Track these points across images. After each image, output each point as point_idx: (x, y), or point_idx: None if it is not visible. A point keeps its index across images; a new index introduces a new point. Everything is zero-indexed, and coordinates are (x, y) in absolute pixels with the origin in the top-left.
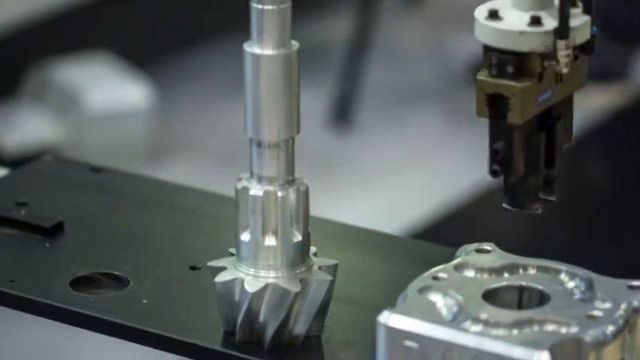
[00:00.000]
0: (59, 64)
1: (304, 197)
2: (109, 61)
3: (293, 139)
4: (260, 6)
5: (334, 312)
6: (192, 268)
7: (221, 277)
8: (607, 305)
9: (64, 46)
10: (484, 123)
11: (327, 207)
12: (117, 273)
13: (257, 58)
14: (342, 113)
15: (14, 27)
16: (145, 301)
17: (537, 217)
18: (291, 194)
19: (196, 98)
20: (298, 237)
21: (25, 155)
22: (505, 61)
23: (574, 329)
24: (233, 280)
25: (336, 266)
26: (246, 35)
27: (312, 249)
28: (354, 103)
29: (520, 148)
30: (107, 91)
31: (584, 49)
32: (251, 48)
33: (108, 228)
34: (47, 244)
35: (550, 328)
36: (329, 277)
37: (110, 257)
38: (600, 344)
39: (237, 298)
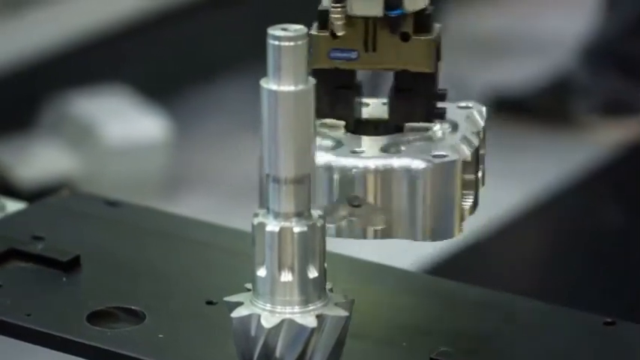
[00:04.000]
0: (76, 96)
1: (320, 233)
2: (126, 93)
3: (309, 175)
4: (277, 42)
5: (350, 347)
6: (209, 302)
7: (237, 313)
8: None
9: (80, 78)
10: (498, 160)
11: (339, 241)
12: (133, 307)
13: (274, 94)
14: None
15: (31, 59)
16: (161, 336)
17: (551, 255)
18: (308, 230)
19: (212, 131)
20: (314, 273)
21: (41, 188)
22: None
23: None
24: (249, 316)
25: (352, 302)
26: (262, 69)
27: (328, 285)
28: None
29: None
30: (124, 123)
31: (417, 27)
32: (268, 84)
33: (124, 262)
34: (64, 278)
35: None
36: (345, 313)
37: (126, 291)
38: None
39: (253, 333)
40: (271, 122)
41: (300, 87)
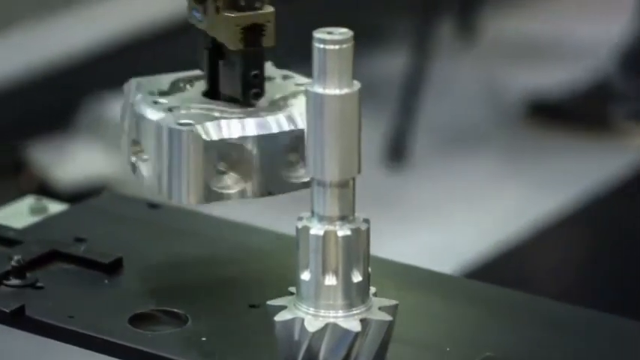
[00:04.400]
0: (113, 99)
1: (365, 237)
2: None
3: (354, 179)
4: (322, 46)
5: (393, 352)
6: (251, 306)
7: (281, 316)
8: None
9: (118, 81)
10: (539, 162)
11: (381, 245)
12: (175, 310)
13: (319, 97)
14: (397, 150)
15: (69, 62)
16: (203, 339)
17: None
18: (352, 234)
19: None
20: (359, 277)
21: (79, 190)
22: None
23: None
24: (293, 320)
25: (395, 307)
26: (299, 71)
27: (372, 289)
28: (409, 141)
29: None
30: None
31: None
32: (313, 88)
33: (166, 265)
34: (106, 280)
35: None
36: (389, 318)
37: (169, 294)
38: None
39: (296, 337)
40: (316, 126)
41: (346, 90)
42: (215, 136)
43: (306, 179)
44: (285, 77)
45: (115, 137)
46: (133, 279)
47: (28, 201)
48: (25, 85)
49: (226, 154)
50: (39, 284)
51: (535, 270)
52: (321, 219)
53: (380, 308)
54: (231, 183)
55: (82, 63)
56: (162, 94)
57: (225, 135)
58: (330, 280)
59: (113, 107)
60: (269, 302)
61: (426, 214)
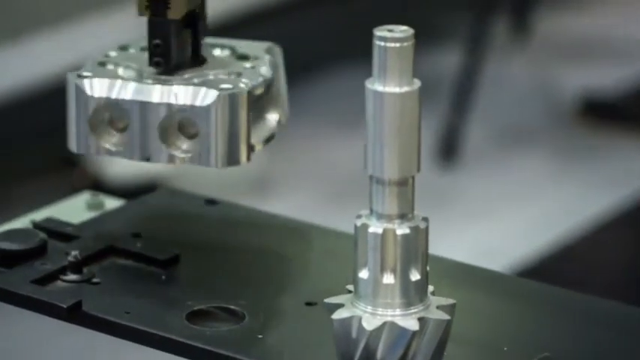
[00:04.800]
0: None
1: (424, 236)
2: None
3: (413, 177)
4: (383, 43)
5: (450, 351)
6: (308, 303)
7: (339, 315)
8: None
9: None
10: (591, 161)
11: (433, 242)
12: (233, 307)
13: (379, 95)
14: (450, 148)
15: None
16: (260, 336)
17: None
18: (411, 232)
19: (304, 131)
20: (417, 275)
21: (132, 185)
22: None
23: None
24: (351, 318)
25: (453, 306)
26: (355, 68)
27: (430, 288)
28: (462, 138)
29: (176, 40)
30: None
31: None
32: (373, 85)
33: (223, 261)
34: (163, 277)
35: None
36: (447, 317)
37: (226, 291)
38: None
39: (354, 335)
40: (376, 123)
41: (406, 89)
42: (96, 93)
43: (189, 156)
44: (250, 60)
45: None
46: (189, 275)
47: (85, 196)
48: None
49: (106, 110)
50: (96, 280)
51: (587, 269)
52: (380, 217)
53: (438, 307)
54: (113, 140)
55: None
56: (123, 49)
57: (107, 93)
58: (389, 279)
59: None
60: (327, 300)
61: (477, 213)
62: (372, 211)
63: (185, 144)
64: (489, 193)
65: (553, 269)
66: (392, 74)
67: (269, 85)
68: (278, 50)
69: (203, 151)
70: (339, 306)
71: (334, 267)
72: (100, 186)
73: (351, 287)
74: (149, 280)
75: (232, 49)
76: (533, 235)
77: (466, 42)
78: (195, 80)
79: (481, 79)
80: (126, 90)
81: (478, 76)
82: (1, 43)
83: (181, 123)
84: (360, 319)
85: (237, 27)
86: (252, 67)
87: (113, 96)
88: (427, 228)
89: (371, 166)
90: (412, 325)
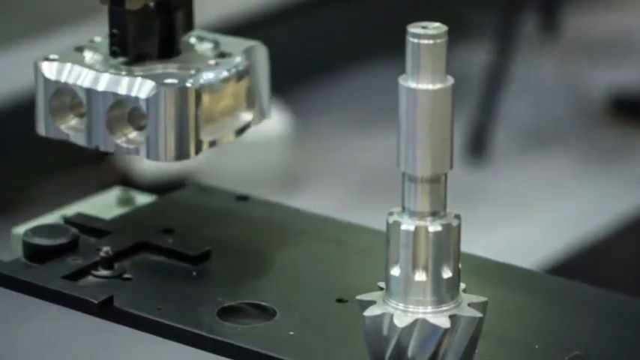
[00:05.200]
0: None
1: (456, 233)
2: None
3: (445, 175)
4: (416, 40)
5: (481, 349)
6: (339, 300)
7: (370, 312)
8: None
9: None
10: (620, 159)
11: (462, 239)
12: (264, 303)
13: (413, 92)
14: (478, 146)
15: None
16: (291, 333)
17: None
18: (443, 230)
19: (333, 127)
20: (449, 273)
21: (162, 181)
22: None
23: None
24: (382, 315)
25: (485, 303)
26: (384, 64)
27: (462, 285)
28: (490, 137)
29: (134, 30)
30: None
31: None
32: (406, 82)
33: (254, 257)
34: (194, 272)
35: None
36: (479, 314)
37: (257, 287)
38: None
39: (385, 332)
40: (409, 120)
41: (439, 85)
42: (53, 77)
43: (134, 147)
44: (217, 55)
45: None
46: (220, 271)
47: (115, 192)
48: None
49: (66, 95)
50: (127, 275)
51: (615, 267)
52: (412, 214)
53: (469, 305)
54: (69, 123)
55: None
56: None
57: (63, 78)
58: (420, 276)
59: None
60: (358, 297)
61: (505, 211)
62: (404, 208)
63: (133, 134)
64: (517, 192)
65: (581, 267)
66: (425, 71)
67: (237, 83)
68: (262, 50)
69: (150, 143)
70: (371, 303)
71: (364, 264)
72: (127, 181)
73: (382, 284)
74: (180, 276)
75: (215, 44)
76: (561, 233)
77: (494, 40)
78: (145, 72)
79: (509, 78)
80: (79, 76)
81: (506, 75)
82: (28, 37)
83: (132, 114)
84: (391, 316)
85: (260, 25)
86: (218, 65)
87: (68, 80)
88: (459, 225)
89: (403, 163)
90: (443, 322)
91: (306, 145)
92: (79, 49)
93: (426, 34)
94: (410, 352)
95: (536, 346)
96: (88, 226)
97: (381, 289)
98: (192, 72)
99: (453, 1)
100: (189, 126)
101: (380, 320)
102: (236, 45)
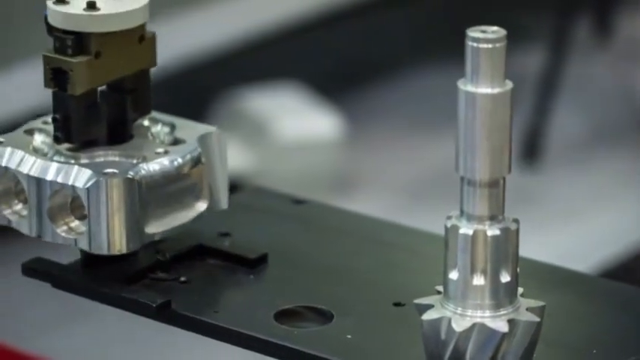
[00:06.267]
0: (249, 93)
1: (514, 237)
2: (299, 91)
3: (504, 179)
4: (475, 44)
5: (539, 353)
6: (396, 304)
7: (428, 315)
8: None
9: (254, 75)
10: None
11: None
12: (321, 307)
13: (472, 96)
14: (531, 150)
15: (205, 56)
16: (349, 337)
17: None
18: (501, 234)
19: (385, 130)
20: (507, 277)
21: None
22: (65, 39)
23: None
24: (440, 319)
25: (543, 308)
26: (436, 69)
27: (520, 289)
28: (544, 140)
29: (77, 116)
30: (297, 121)
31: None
32: (465, 86)
33: (311, 261)
34: (251, 276)
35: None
36: (537, 319)
37: (313, 291)
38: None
39: (443, 336)
40: (468, 124)
41: (498, 89)
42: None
43: (74, 237)
44: (164, 147)
45: (250, 132)
46: (278, 275)
47: None
48: (161, 79)
49: (8, 181)
50: (184, 279)
51: None
52: (470, 218)
53: (527, 309)
54: (14, 210)
55: (221, 57)
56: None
57: (6, 163)
58: (479, 280)
59: (248, 102)
60: (416, 301)
61: (559, 215)
62: (462, 212)
63: (74, 223)
64: (571, 195)
65: (636, 272)
66: (484, 75)
67: (189, 171)
68: (219, 136)
69: (92, 234)
70: (429, 307)
71: (422, 267)
72: None
73: (440, 288)
74: (237, 279)
75: (171, 128)
76: (616, 238)
77: (548, 43)
78: (89, 160)
79: (563, 80)
80: (21, 162)
81: (560, 77)
82: None
83: (74, 203)
84: (449, 320)
85: (314, 27)
86: (167, 153)
87: (9, 165)
88: (518, 229)
89: (462, 167)
90: (502, 326)
91: (360, 148)
92: (29, 132)
93: (485, 38)
94: (468, 357)
95: (594, 351)
96: None
97: (439, 292)
98: (136, 161)
99: (506, 4)
100: (131, 217)
101: (438, 324)
102: (192, 130)
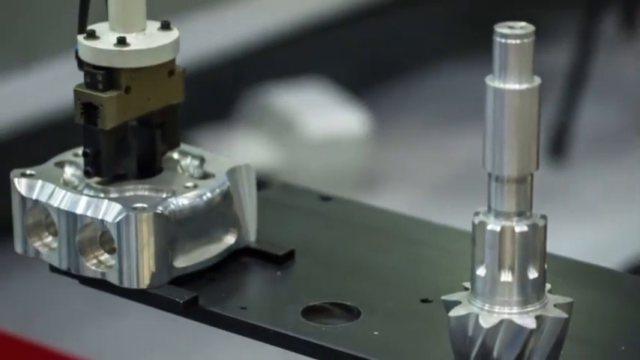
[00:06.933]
0: (276, 89)
1: (542, 233)
2: (326, 87)
3: (532, 175)
4: (503, 40)
5: (566, 350)
6: (423, 300)
7: (455, 312)
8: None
9: (281, 72)
10: None
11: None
12: (348, 303)
13: (500, 92)
14: (558, 146)
15: (233, 52)
16: (376, 333)
17: None
18: (529, 230)
19: (411, 126)
20: (534, 273)
21: None
22: (95, 75)
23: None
24: (467, 315)
25: (571, 304)
26: (463, 64)
27: (547, 286)
28: (570, 137)
29: (108, 151)
30: (323, 117)
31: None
32: (493, 82)
33: (338, 257)
34: (278, 272)
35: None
36: (565, 315)
37: (341, 287)
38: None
39: (470, 333)
40: (496, 120)
41: (526, 86)
42: (28, 194)
43: (104, 271)
44: (190, 185)
45: (278, 129)
46: (305, 271)
47: None
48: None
49: (39, 214)
50: (211, 275)
51: None
52: (498, 214)
53: (555, 305)
54: (44, 242)
55: (248, 54)
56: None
57: (37, 196)
58: (506, 277)
59: (275, 98)
60: (444, 297)
61: (585, 211)
62: (489, 208)
63: (103, 257)
64: (598, 191)
65: None
66: (512, 71)
67: (217, 205)
68: (247, 170)
69: (121, 267)
70: (456, 303)
71: (449, 264)
72: None
73: (467, 284)
74: (265, 275)
75: (201, 161)
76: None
77: (575, 39)
78: (119, 194)
79: (590, 76)
80: (52, 195)
81: (586, 75)
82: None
83: (104, 237)
84: (476, 316)
85: (342, 24)
86: (196, 187)
87: (40, 198)
88: (545, 226)
89: (490, 163)
90: (529, 323)
91: (386, 145)
92: (60, 164)
93: (513, 33)
94: (495, 353)
95: (623, 348)
96: None
97: (466, 289)
98: (165, 195)
99: (533, 0)
100: (160, 252)
101: (465, 321)
102: (221, 164)
